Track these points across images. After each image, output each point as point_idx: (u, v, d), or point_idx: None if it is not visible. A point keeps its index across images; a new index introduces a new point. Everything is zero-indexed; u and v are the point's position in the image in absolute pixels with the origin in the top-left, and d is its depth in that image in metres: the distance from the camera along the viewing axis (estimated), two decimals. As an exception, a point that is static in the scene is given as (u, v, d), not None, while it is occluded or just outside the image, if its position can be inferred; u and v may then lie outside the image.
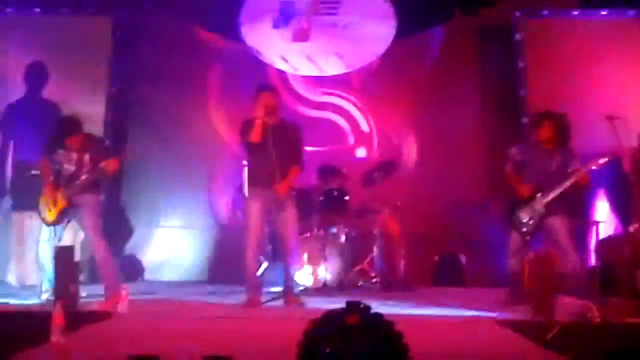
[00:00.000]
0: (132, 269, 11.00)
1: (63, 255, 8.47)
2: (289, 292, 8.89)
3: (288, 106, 10.44)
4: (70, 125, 8.90)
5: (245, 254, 8.88)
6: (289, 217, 8.84)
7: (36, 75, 11.40)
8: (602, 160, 9.01)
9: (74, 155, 8.71)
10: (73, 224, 8.84)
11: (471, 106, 11.73)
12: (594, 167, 8.93)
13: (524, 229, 8.73)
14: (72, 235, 8.99)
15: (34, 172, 10.12)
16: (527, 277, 8.46)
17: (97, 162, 8.66)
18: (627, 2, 11.51)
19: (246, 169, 10.12)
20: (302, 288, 9.55)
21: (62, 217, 8.72)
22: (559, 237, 8.77)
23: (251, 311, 8.53)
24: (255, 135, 8.65)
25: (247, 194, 9.35)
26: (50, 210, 8.73)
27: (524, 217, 8.73)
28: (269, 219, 9.17)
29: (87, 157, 8.69)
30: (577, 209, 9.72)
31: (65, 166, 8.67)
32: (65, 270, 8.33)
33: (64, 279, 8.25)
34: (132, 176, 10.92)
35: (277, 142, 8.61)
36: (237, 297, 9.10)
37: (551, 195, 8.66)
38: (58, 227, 8.74)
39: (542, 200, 8.68)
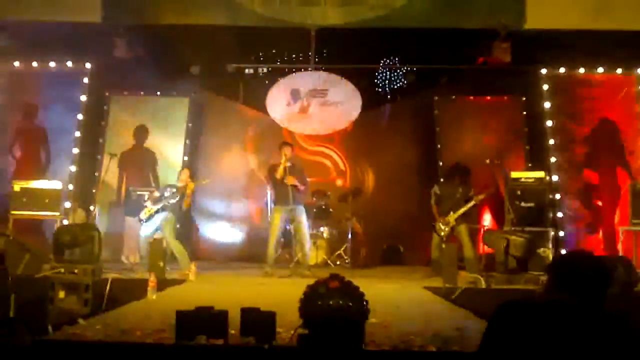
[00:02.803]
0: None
1: (156, 243, 8.79)
2: (304, 267, 9.14)
3: (295, 153, 10.34)
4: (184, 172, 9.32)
5: (268, 245, 9.18)
6: (301, 222, 9.13)
7: (140, 133, 11.39)
8: (488, 191, 9.40)
9: (174, 190, 9.04)
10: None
11: (408, 153, 11.57)
12: (484, 195, 9.31)
13: (442, 234, 9.07)
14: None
15: (138, 193, 10.44)
16: (442, 260, 8.82)
17: (182, 189, 9.03)
18: (506, 91, 11.51)
19: (269, 192, 10.50)
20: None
21: (150, 218, 9.03)
22: (463, 237, 9.12)
23: (269, 280, 8.77)
24: (278, 174, 9.00)
25: (271, 209, 9.64)
26: (145, 213, 9.08)
27: (442, 227, 9.09)
28: (287, 224, 9.48)
29: (180, 192, 9.03)
30: (472, 219, 9.97)
31: (166, 193, 9.05)
32: (156, 253, 8.63)
33: (155, 258, 8.59)
34: (202, 194, 10.87)
35: (293, 175, 9.00)
36: (260, 271, 9.24)
37: (458, 213, 9.04)
38: (152, 228, 9.09)
39: (453, 216, 9.05)
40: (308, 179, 9.56)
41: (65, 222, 9.93)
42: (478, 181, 9.77)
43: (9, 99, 11.29)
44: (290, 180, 8.96)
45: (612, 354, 2.35)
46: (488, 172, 9.99)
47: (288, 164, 9.07)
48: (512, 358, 2.42)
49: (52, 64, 11.28)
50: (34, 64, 11.30)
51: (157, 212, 9.01)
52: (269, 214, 10.60)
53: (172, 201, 9.00)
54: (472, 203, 9.07)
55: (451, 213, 9.00)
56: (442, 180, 10.08)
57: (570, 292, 2.49)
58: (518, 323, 2.45)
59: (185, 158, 11.31)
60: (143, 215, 9.11)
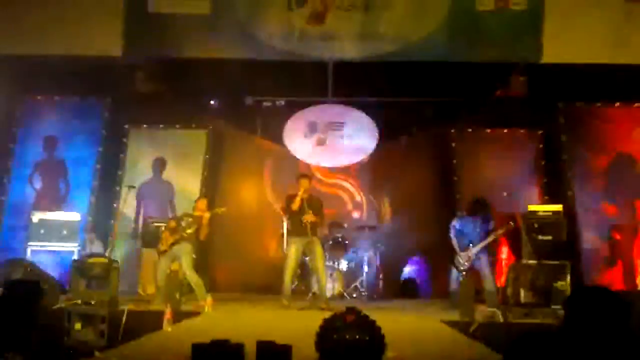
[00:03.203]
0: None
1: (172, 275, 8.80)
2: (321, 299, 9.05)
3: (313, 185, 10.27)
4: (200, 201, 9.33)
5: (284, 276, 9.13)
6: (318, 254, 9.11)
7: (158, 165, 11.48)
8: (509, 226, 9.33)
9: (190, 220, 9.04)
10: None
11: (425, 185, 11.59)
12: (505, 229, 9.25)
13: (462, 268, 8.96)
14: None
15: (156, 224, 10.47)
16: (460, 294, 8.76)
17: (199, 218, 9.03)
18: (523, 124, 11.49)
19: (285, 224, 10.49)
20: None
21: (169, 250, 8.96)
22: (484, 270, 9.04)
23: (285, 312, 8.71)
24: (295, 205, 9.02)
25: (287, 240, 9.62)
26: (163, 244, 9.05)
27: (461, 261, 9.02)
28: (303, 256, 9.45)
29: (197, 222, 9.04)
30: (491, 251, 9.89)
31: (183, 223, 9.03)
32: (173, 284, 8.64)
33: (172, 289, 8.58)
34: (219, 225, 10.60)
35: (309, 208, 8.99)
36: (276, 303, 9.19)
37: (478, 247, 8.98)
38: (168, 259, 9.02)
39: (473, 250, 8.98)
40: (324, 211, 9.53)
41: (83, 253, 9.98)
42: (495, 214, 9.67)
43: (30, 130, 11.47)
44: (307, 217, 8.97)
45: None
46: (505, 205, 9.90)
47: (305, 196, 9.08)
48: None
49: (73, 97, 11.47)
50: (56, 97, 11.50)
51: (174, 243, 8.98)
52: (285, 246, 10.61)
53: (189, 231, 8.97)
54: (492, 237, 8.98)
55: (471, 246, 8.93)
56: (461, 214, 10.06)
57: (588, 326, 2.49)
58: (533, 356, 2.44)
59: (203, 190, 11.34)
60: (160, 246, 9.08)
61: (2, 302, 3.19)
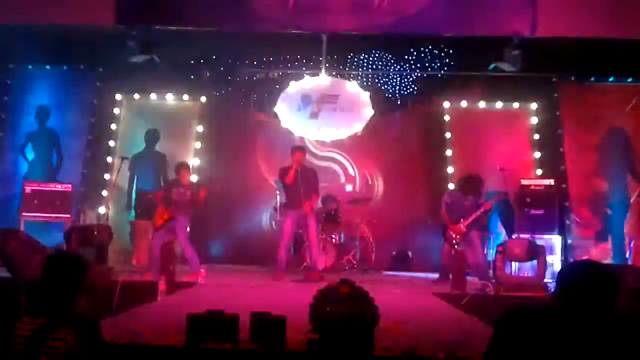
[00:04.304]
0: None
1: (166, 247, 8.82)
2: (312, 271, 9.12)
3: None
4: (183, 168, 9.25)
5: (279, 249, 9.18)
6: (312, 227, 9.16)
7: (151, 136, 11.41)
8: (497, 199, 9.42)
9: (181, 190, 9.07)
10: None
11: (418, 160, 11.62)
12: (493, 203, 9.33)
13: (453, 241, 9.07)
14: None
15: (149, 196, 10.43)
16: (451, 267, 8.84)
17: (193, 197, 9.03)
18: (516, 98, 11.55)
19: (278, 197, 10.53)
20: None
21: (165, 225, 9.06)
22: (474, 244, 9.10)
23: (278, 283, 8.81)
24: (289, 179, 9.03)
25: (281, 213, 9.62)
26: (159, 220, 9.11)
27: (453, 235, 9.08)
28: (297, 229, 9.47)
29: (188, 193, 9.02)
30: (483, 226, 9.95)
31: (174, 195, 9.03)
32: (167, 257, 8.67)
33: (166, 261, 8.61)
34: (213, 198, 10.48)
35: (303, 181, 9.01)
36: (270, 275, 9.26)
37: (469, 220, 9.05)
38: (162, 231, 9.00)
39: (463, 224, 9.05)
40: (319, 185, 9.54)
41: (76, 224, 9.98)
42: (488, 187, 9.74)
43: (21, 100, 11.40)
44: (307, 208, 9.02)
45: (622, 355, 2.38)
46: (498, 179, 9.93)
47: (299, 168, 9.09)
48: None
49: (64, 67, 11.41)
50: (47, 66, 11.41)
51: (169, 219, 8.95)
52: (278, 218, 10.67)
53: (183, 200, 8.93)
54: (481, 210, 9.05)
55: (462, 220, 8.99)
56: (453, 188, 10.14)
57: (578, 300, 2.53)
58: (524, 328, 2.49)
59: (196, 161, 11.36)
60: (156, 221, 9.04)
61: (48, 278, 3.20)
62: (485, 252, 9.53)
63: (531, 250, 8.63)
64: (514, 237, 9.72)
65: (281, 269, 9.16)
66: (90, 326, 3.10)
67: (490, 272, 8.96)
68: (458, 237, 8.99)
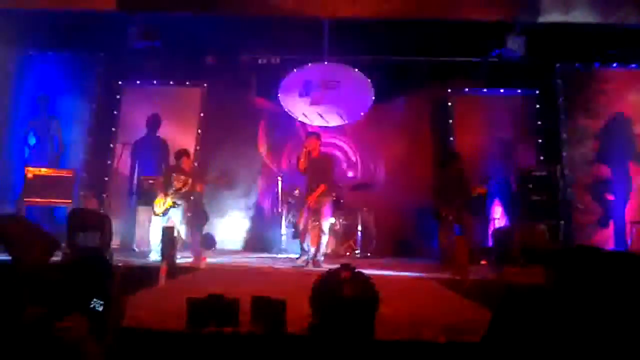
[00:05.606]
0: (209, 241, 10.88)
1: (167, 232, 8.79)
2: (316, 257, 8.99)
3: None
4: (185, 155, 9.28)
5: (300, 239, 9.19)
6: (322, 213, 8.97)
7: (153, 122, 11.45)
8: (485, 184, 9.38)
9: (182, 177, 9.09)
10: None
11: (420, 145, 11.60)
12: (486, 186, 9.28)
13: (450, 219, 9.01)
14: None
15: (150, 182, 10.43)
16: (453, 252, 8.81)
17: (193, 184, 9.04)
18: (519, 85, 11.46)
19: (280, 183, 10.47)
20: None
21: (166, 212, 9.10)
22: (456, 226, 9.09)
23: (280, 269, 8.76)
24: (300, 166, 8.95)
25: (281, 199, 9.54)
26: (160, 207, 9.14)
27: (442, 215, 9.04)
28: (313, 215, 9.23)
29: (190, 180, 9.06)
30: (481, 210, 9.94)
31: (175, 182, 9.07)
32: (168, 241, 8.66)
33: (167, 246, 8.61)
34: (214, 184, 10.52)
35: (313, 170, 8.89)
36: (271, 260, 9.27)
37: (459, 201, 8.99)
38: (163, 217, 9.08)
39: (453, 203, 9.01)
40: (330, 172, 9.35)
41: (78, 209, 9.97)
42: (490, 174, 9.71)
43: (23, 86, 11.38)
44: (310, 202, 8.91)
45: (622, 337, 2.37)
46: (501, 165, 9.92)
47: (311, 155, 8.92)
48: (517, 346, 2.44)
49: (66, 53, 11.38)
50: (49, 52, 11.39)
51: (170, 207, 8.98)
52: (279, 205, 10.64)
53: (184, 190, 8.96)
54: (474, 194, 9.02)
55: (450, 200, 8.92)
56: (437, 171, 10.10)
57: (577, 286, 2.51)
58: (523, 314, 2.48)
59: (198, 147, 11.35)
60: (156, 209, 9.07)
61: (72, 278, 3.16)
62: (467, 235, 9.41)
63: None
64: (516, 222, 9.67)
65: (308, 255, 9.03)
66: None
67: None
68: (451, 217, 8.92)
